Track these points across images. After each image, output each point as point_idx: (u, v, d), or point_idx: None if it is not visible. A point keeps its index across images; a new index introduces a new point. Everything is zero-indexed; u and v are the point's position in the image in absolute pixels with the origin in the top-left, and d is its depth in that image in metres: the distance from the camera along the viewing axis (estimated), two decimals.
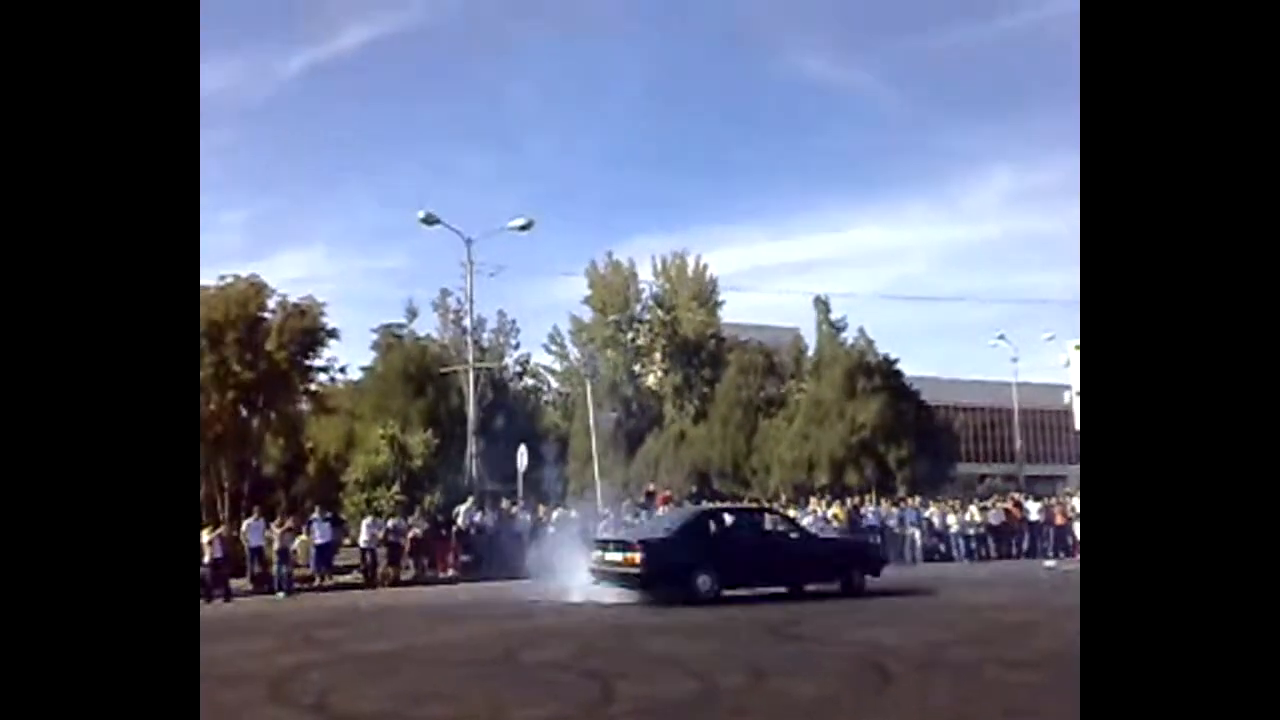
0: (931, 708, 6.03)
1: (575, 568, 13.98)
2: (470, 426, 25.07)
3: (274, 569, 17.36)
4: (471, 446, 24.40)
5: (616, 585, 12.73)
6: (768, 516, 15.87)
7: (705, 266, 43.93)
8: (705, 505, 21.02)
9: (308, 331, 22.47)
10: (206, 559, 16.50)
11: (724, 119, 71.85)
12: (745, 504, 21.52)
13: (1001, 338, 40.82)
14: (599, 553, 13.28)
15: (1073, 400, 35.42)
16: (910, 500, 25.06)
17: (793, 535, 14.67)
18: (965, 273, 75.81)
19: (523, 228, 24.53)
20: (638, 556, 12.41)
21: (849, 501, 24.01)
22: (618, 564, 12.73)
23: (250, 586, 17.27)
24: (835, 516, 21.91)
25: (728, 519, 14.64)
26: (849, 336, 37.25)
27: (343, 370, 25.39)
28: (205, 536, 16.92)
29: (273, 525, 18.03)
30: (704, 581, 12.37)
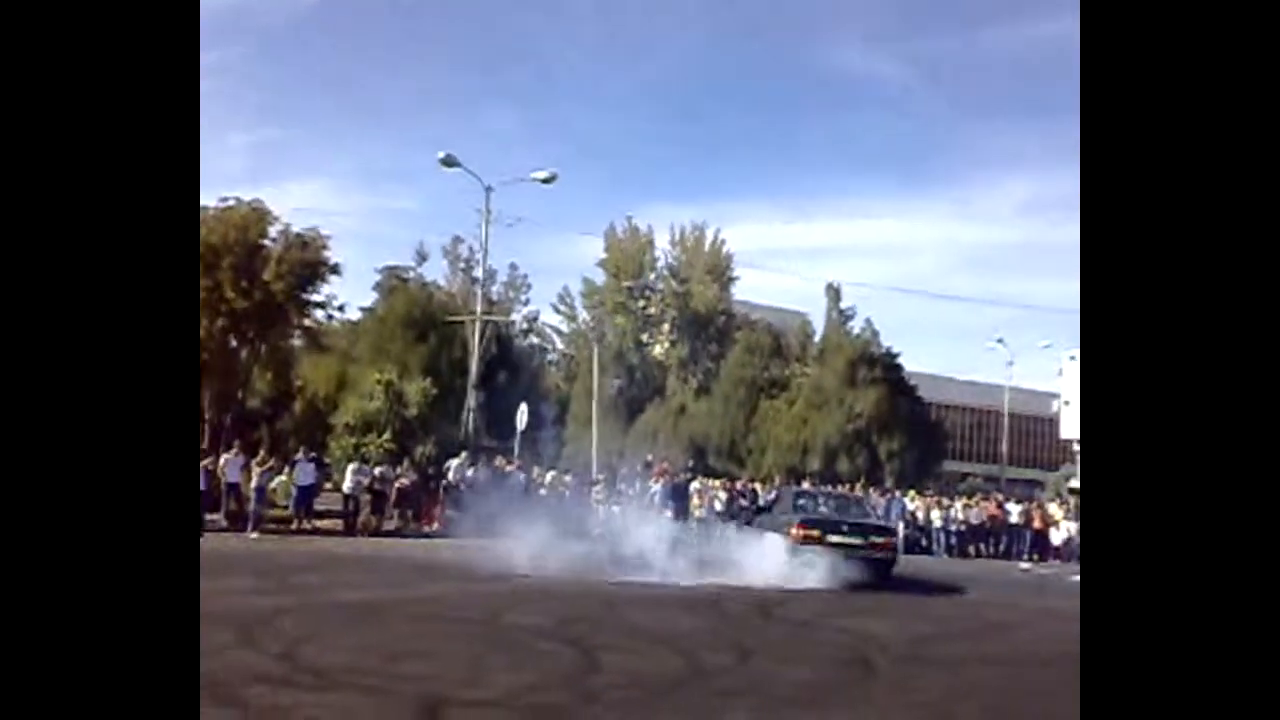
0: (914, 702, 5.90)
1: (567, 533, 13.73)
2: (471, 379, 24.63)
3: (249, 506, 16.97)
4: (470, 400, 23.97)
5: (854, 568, 12.18)
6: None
7: (722, 242, 43.45)
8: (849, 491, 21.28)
9: (308, 264, 21.84)
10: None
11: (755, 98, 70.96)
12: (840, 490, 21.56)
13: (1000, 341, 40.77)
14: (817, 531, 12.64)
15: (1060, 409, 35.38)
16: (897, 492, 25.05)
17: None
18: (973, 274, 75.44)
19: (546, 180, 23.84)
20: (893, 540, 13.22)
21: (838, 489, 23.81)
22: (860, 546, 12.42)
23: (225, 523, 16.87)
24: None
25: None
26: (856, 326, 37.15)
27: (341, 309, 24.81)
28: None
29: (253, 462, 17.62)
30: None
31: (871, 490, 24.99)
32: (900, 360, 35.33)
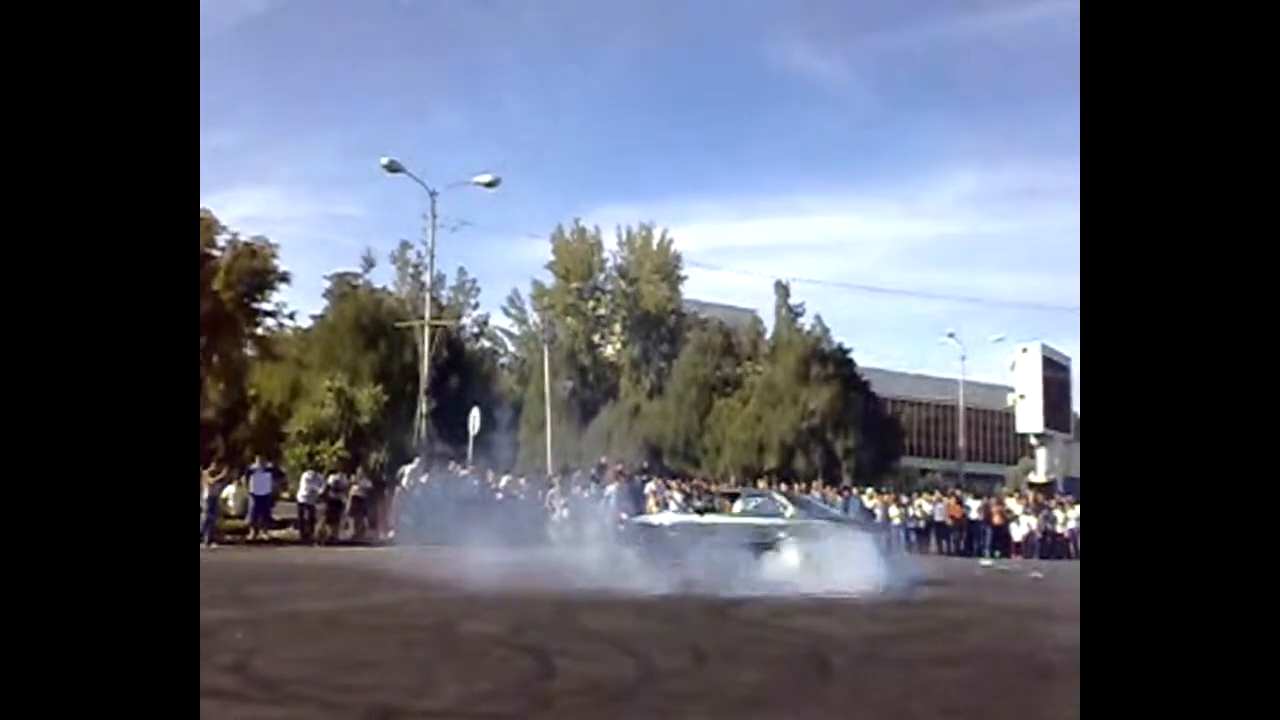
0: (872, 702, 5.95)
1: (523, 538, 13.73)
2: (422, 385, 24.48)
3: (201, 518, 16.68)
4: (422, 405, 23.82)
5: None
6: None
7: (670, 241, 43.72)
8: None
9: (257, 273, 21.62)
10: None
11: (699, 98, 71.45)
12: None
13: (951, 335, 41.49)
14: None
15: (1016, 403, 36.26)
16: (854, 489, 25.19)
17: None
18: (922, 269, 76.84)
19: (489, 184, 23.93)
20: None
21: (795, 487, 24.06)
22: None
23: None
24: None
25: None
26: (806, 323, 37.52)
27: (292, 316, 24.57)
28: None
29: (204, 472, 17.34)
30: None
31: (828, 488, 25.19)
32: (852, 356, 35.72)
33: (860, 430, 33.47)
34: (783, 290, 38.43)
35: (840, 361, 34.96)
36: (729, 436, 34.32)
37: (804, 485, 25.14)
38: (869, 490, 25.28)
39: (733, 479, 28.24)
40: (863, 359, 37.07)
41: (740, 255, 75.82)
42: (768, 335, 39.30)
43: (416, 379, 25.12)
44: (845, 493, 24.56)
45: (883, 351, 79.51)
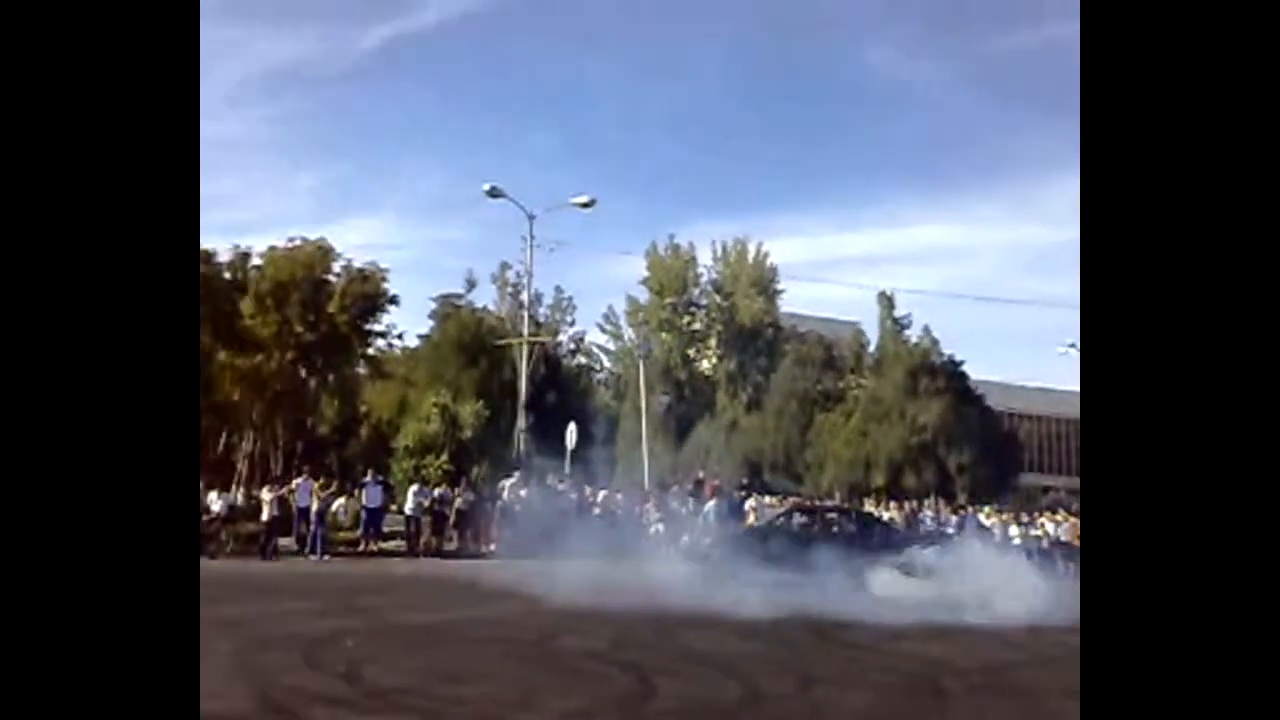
0: None
1: (620, 552, 13.74)
2: (521, 400, 24.99)
3: (309, 530, 17.40)
4: (521, 420, 24.31)
5: None
6: None
7: (766, 254, 43.27)
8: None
9: (369, 296, 22.67)
10: (265, 516, 16.86)
11: (793, 109, 70.58)
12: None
13: (1073, 345, 39.49)
14: None
15: None
16: (971, 508, 24.15)
17: None
18: (1036, 277, 73.64)
19: (585, 205, 24.37)
20: None
21: (906, 505, 23.28)
22: None
23: (296, 546, 17.39)
24: (891, 519, 21.20)
25: None
26: (912, 335, 36.36)
27: (400, 337, 25.66)
28: (266, 495, 17.39)
29: (315, 485, 18.14)
30: None
31: (943, 506, 24.26)
32: (964, 369, 34.33)
33: (975, 445, 31.98)
34: (886, 301, 37.50)
35: (951, 374, 33.68)
36: (832, 452, 33.57)
37: (915, 503, 24.30)
38: (986, 508, 24.12)
39: (837, 495, 27.58)
40: (977, 371, 35.60)
41: (841, 267, 74.28)
42: (871, 348, 38.41)
43: (515, 395, 25.67)
44: (961, 511, 23.62)
45: (999, 364, 76.49)
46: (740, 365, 41.07)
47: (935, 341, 35.16)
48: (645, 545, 17.69)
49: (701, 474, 22.80)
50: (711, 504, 18.23)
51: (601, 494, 20.56)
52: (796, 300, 43.86)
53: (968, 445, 31.94)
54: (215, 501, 17.19)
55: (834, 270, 78.55)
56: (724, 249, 43.63)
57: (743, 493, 22.18)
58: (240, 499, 18.13)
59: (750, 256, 43.21)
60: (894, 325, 37.22)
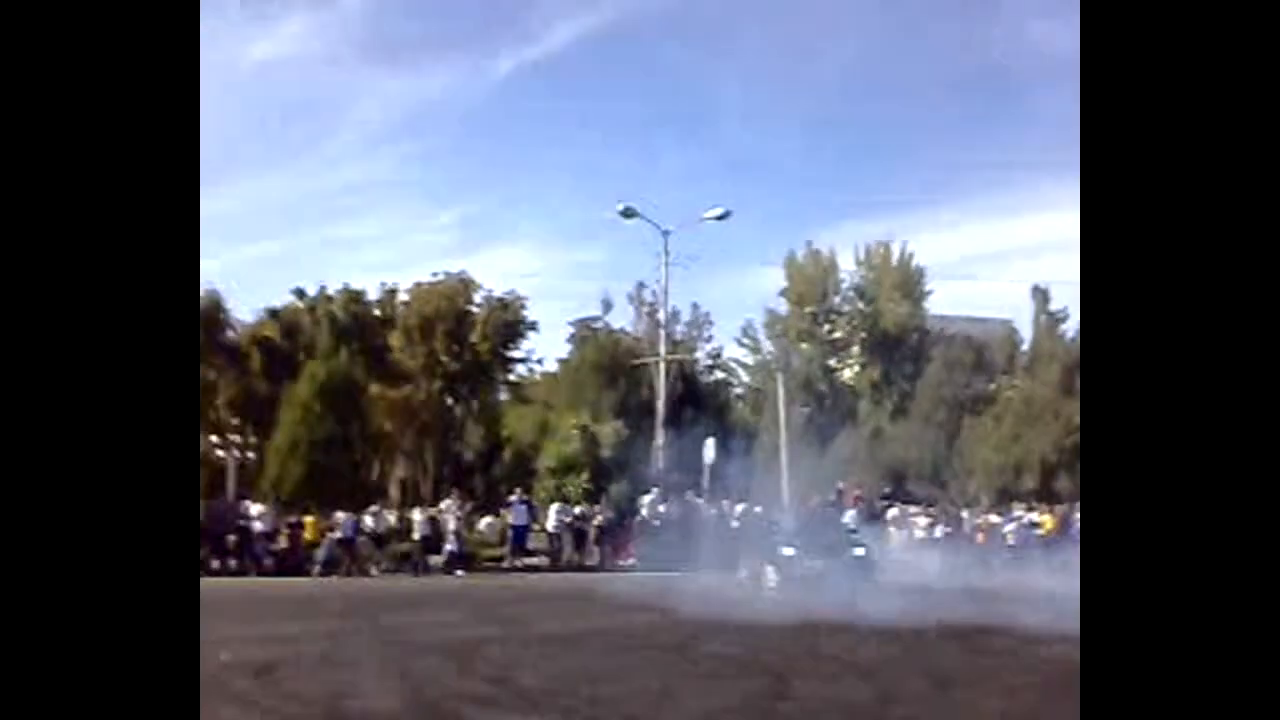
0: None
1: (756, 564, 13.78)
2: (659, 418, 25.39)
3: (447, 547, 18.34)
4: (659, 438, 24.70)
5: None
6: None
7: (911, 255, 41.42)
8: None
9: (509, 324, 23.81)
10: (416, 535, 18.19)
11: (927, 99, 67.96)
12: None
13: None
14: None
15: None
16: None
17: None
18: None
19: (719, 218, 24.46)
20: None
21: (1058, 509, 22.01)
22: None
23: (443, 565, 18.45)
24: (1043, 524, 20.14)
25: None
26: (1069, 329, 34.09)
27: (539, 361, 26.64)
28: (417, 516, 18.74)
29: (453, 505, 19.13)
30: None
31: None
32: None
33: None
34: (1041, 296, 35.16)
35: None
36: (980, 459, 32.11)
37: (1067, 507, 22.94)
38: None
39: (984, 502, 26.37)
40: None
41: (992, 262, 70.42)
42: (1024, 346, 36.39)
43: (654, 413, 26.10)
44: None
45: None
46: (884, 372, 39.83)
47: None
48: (784, 557, 17.56)
49: (842, 484, 22.39)
50: (851, 513, 17.95)
51: (739, 508, 20.59)
52: (944, 300, 42.04)
53: None
54: (369, 523, 18.37)
55: (984, 266, 74.64)
56: (866, 252, 42.38)
57: (885, 502, 21.62)
58: (393, 520, 19.36)
59: (894, 258, 41.77)
60: (1049, 321, 35.07)
